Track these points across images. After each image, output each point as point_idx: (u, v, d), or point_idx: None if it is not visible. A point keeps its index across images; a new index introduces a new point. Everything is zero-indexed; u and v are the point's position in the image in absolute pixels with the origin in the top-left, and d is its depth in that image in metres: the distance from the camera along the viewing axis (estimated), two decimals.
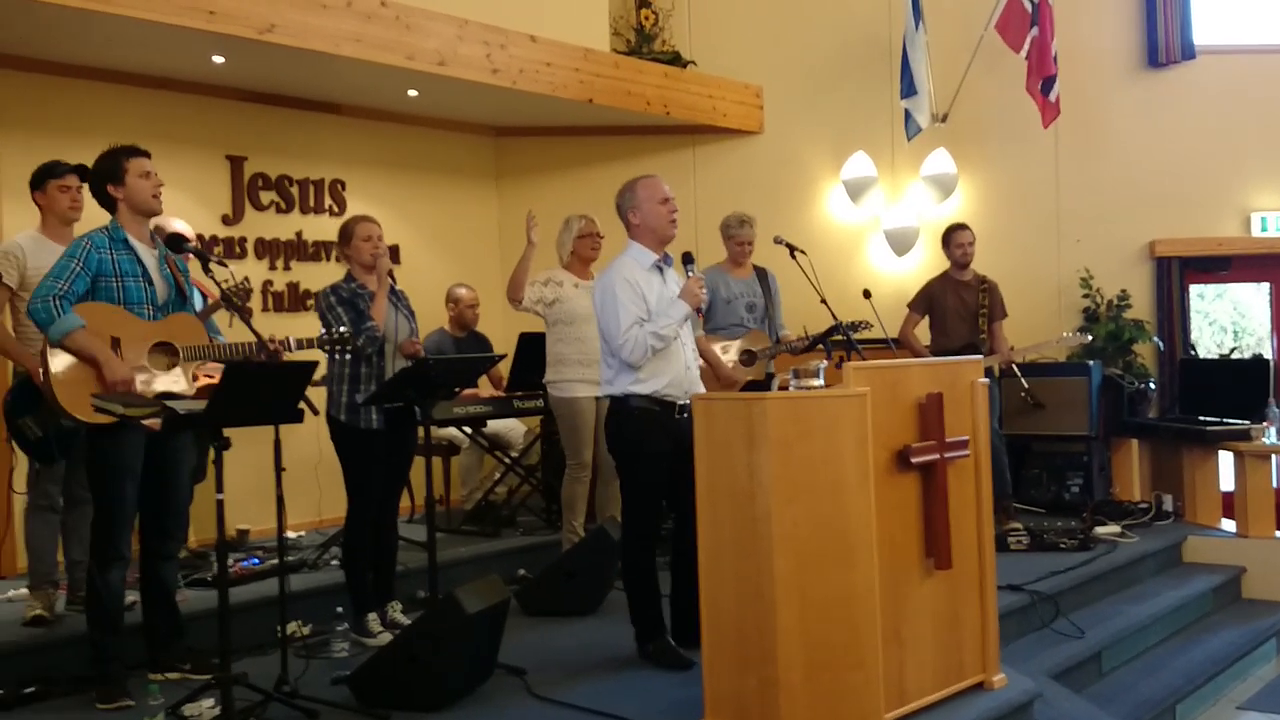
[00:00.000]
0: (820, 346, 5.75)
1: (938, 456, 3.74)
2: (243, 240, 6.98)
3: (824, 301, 5.49)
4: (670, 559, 4.63)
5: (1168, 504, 7.26)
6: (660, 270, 4.49)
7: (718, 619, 3.64)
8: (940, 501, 3.74)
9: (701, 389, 4.53)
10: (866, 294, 5.91)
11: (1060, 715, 4.24)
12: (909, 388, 3.74)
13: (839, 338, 5.56)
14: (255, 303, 6.95)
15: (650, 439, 4.36)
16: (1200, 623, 6.17)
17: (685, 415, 4.48)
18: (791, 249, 5.57)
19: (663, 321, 4.31)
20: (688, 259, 4.51)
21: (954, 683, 3.87)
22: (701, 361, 4.82)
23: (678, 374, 4.41)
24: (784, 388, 3.62)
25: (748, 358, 6.01)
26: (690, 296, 4.35)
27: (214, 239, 6.80)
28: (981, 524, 3.99)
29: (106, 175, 4.18)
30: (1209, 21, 8.65)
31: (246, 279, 5.76)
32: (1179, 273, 8.43)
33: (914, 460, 3.66)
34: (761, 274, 6.28)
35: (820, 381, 3.61)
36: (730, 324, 6.09)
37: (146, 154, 4.25)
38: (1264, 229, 8.44)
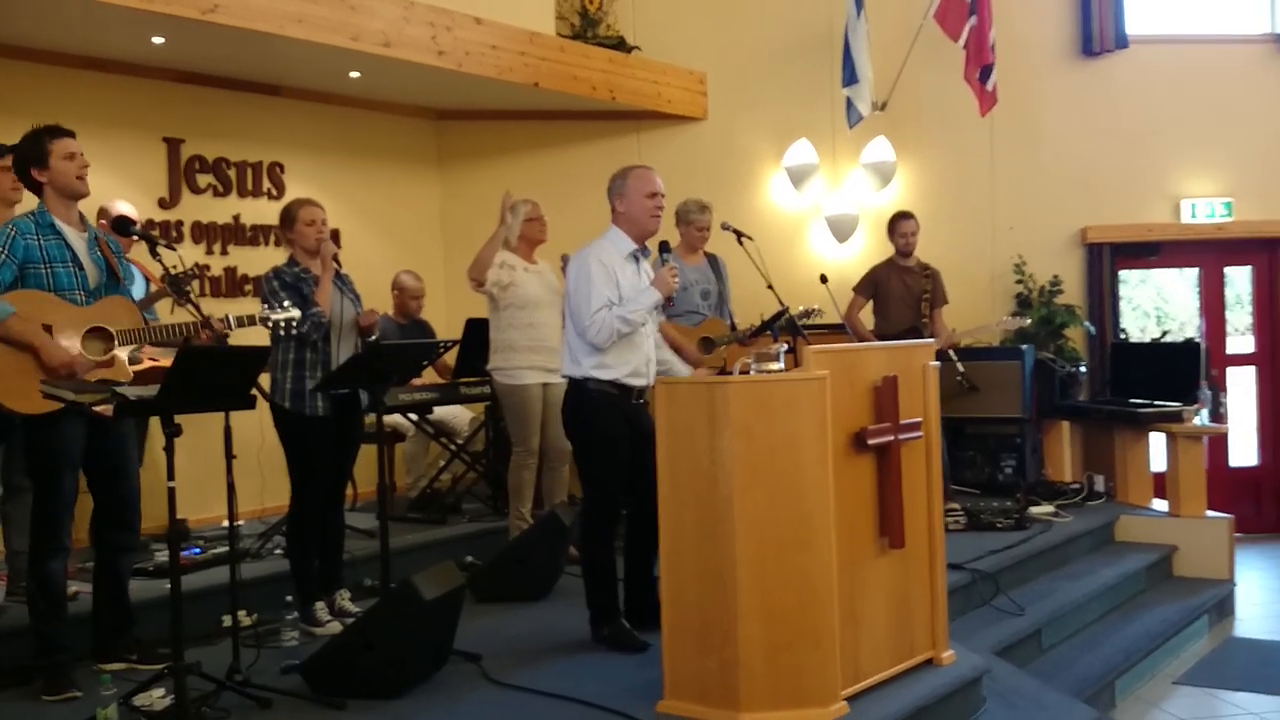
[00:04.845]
0: (768, 332, 5.80)
1: (893, 438, 3.81)
2: (179, 224, 6.82)
3: (770, 287, 5.53)
4: (625, 543, 4.65)
5: (1099, 484, 7.45)
6: (636, 260, 4.52)
7: (679, 602, 3.67)
8: (894, 482, 3.81)
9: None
10: (823, 279, 5.97)
11: (1007, 690, 4.33)
12: (865, 371, 3.80)
13: (784, 322, 5.62)
14: (193, 287, 6.77)
15: (608, 421, 4.39)
16: (1134, 600, 6.33)
17: (641, 401, 4.52)
18: (739, 235, 5.59)
19: (631, 307, 4.34)
20: (665, 247, 4.55)
21: (906, 659, 3.95)
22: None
23: (640, 364, 4.45)
24: (744, 371, 3.65)
25: (706, 345, 5.98)
26: (663, 284, 4.39)
27: (150, 223, 6.62)
28: (932, 504, 4.08)
29: (30, 158, 4.02)
30: (1141, 11, 8.81)
31: (196, 264, 5.65)
32: (1110, 259, 8.60)
33: (870, 442, 3.72)
34: (713, 260, 6.25)
35: (780, 365, 3.66)
36: (686, 311, 5.99)
37: (71, 134, 4.09)
38: (1193, 216, 8.64)
